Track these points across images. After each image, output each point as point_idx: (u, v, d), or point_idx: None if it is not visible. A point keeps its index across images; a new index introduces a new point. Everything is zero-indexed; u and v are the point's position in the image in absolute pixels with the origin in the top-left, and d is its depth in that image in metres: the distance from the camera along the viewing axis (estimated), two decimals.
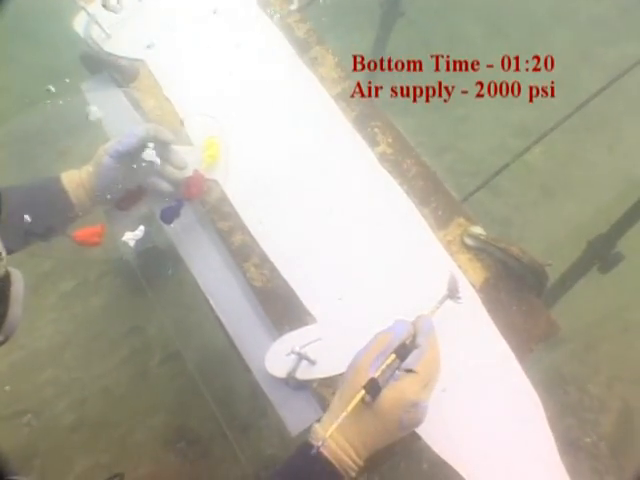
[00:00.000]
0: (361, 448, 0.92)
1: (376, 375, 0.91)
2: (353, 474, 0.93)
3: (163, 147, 1.26)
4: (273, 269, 1.25)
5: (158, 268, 2.22)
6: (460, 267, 1.20)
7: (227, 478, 1.76)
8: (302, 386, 1.15)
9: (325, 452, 0.91)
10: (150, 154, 1.21)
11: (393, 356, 0.93)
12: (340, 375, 1.12)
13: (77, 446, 1.86)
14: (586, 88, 1.68)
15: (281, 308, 1.22)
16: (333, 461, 0.91)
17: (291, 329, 1.19)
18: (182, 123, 1.35)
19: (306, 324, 1.19)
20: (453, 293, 1.05)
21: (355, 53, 2.14)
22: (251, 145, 1.37)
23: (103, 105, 1.32)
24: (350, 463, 0.92)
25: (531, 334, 1.14)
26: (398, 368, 0.93)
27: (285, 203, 1.31)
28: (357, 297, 1.20)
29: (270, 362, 1.16)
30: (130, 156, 1.21)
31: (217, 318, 1.28)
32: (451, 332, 1.05)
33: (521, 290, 1.17)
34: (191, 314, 2.16)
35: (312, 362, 1.12)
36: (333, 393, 1.11)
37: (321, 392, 1.13)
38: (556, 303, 1.71)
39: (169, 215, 1.29)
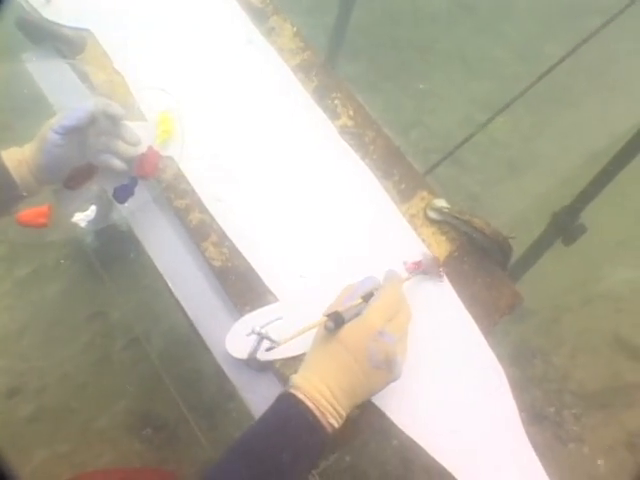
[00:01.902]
0: (337, 389, 0.89)
1: (340, 310, 0.92)
2: (333, 421, 0.89)
3: (114, 122, 1.19)
4: (232, 248, 1.21)
5: (119, 251, 2.16)
6: (424, 241, 1.17)
7: (195, 462, 1.72)
8: (265, 367, 1.12)
9: (300, 395, 0.89)
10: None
11: (359, 300, 0.94)
12: (303, 354, 1.11)
13: (35, 437, 1.80)
14: (552, 62, 1.67)
15: (242, 287, 1.18)
16: (310, 405, 0.88)
17: (252, 309, 1.16)
18: (133, 97, 1.29)
19: (268, 303, 1.16)
20: (428, 270, 1.09)
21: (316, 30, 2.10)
22: (207, 119, 1.31)
23: (47, 78, 1.24)
24: (327, 406, 0.88)
25: (495, 306, 1.13)
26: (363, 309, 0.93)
27: (243, 179, 1.26)
28: (319, 274, 1.17)
29: (230, 344, 1.13)
30: (78, 132, 1.14)
31: (176, 300, 1.24)
32: (415, 305, 1.03)
33: (485, 263, 1.15)
34: (156, 297, 2.11)
35: (273, 342, 1.08)
36: (295, 372, 1.08)
37: (284, 372, 1.10)
38: (523, 276, 1.71)
39: (122, 194, 1.24)
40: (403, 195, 1.22)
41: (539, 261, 1.68)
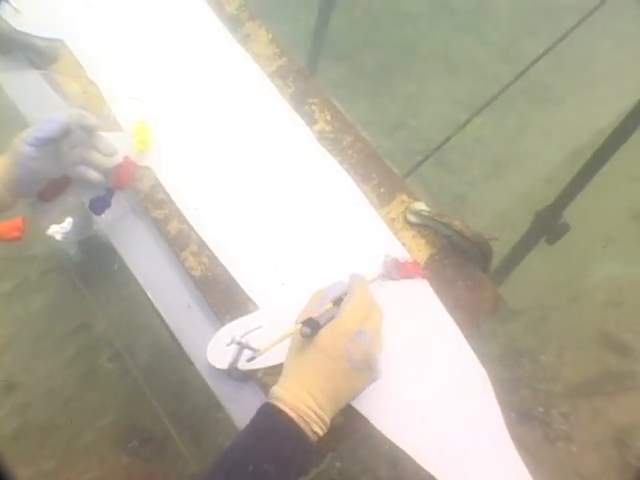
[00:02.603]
0: (320, 395, 0.87)
1: (314, 315, 0.92)
2: (318, 429, 0.87)
3: (88, 133, 1.18)
4: (212, 257, 1.20)
5: (103, 263, 2.14)
6: (404, 245, 1.17)
7: (183, 475, 1.70)
8: (247, 377, 1.11)
9: (282, 406, 0.87)
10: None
11: (330, 304, 0.94)
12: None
13: (20, 455, 1.77)
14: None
15: (222, 297, 1.17)
16: (293, 415, 0.86)
17: (233, 318, 1.14)
18: (109, 107, 1.27)
19: (249, 312, 1.15)
20: (389, 273, 1.07)
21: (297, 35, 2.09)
22: (184, 128, 1.30)
23: (19, 89, 1.22)
24: (311, 414, 0.86)
25: (478, 309, 1.12)
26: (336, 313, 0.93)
27: (221, 187, 1.25)
28: (300, 282, 1.16)
29: (212, 354, 1.11)
30: (52, 144, 1.13)
31: (157, 311, 1.23)
32: (396, 310, 1.03)
33: (466, 265, 1.14)
34: (140, 309, 2.09)
35: (254, 351, 1.07)
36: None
37: (267, 382, 1.09)
38: (508, 276, 1.71)
39: (99, 205, 1.22)
40: (382, 199, 1.21)
41: (524, 261, 1.68)
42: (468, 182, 2.50)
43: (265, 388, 1.09)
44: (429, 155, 1.62)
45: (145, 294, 1.24)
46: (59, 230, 1.18)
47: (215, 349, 1.11)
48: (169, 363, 1.97)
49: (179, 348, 1.18)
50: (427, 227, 1.16)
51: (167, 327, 1.21)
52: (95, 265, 2.12)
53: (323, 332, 0.90)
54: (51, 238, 1.18)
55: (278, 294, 1.15)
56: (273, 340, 0.93)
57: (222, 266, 1.19)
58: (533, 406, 1.76)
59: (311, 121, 1.29)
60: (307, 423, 0.86)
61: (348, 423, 1.05)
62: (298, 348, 0.93)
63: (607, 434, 1.72)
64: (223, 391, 1.13)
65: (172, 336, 1.20)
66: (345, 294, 0.96)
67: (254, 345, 1.07)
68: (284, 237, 1.20)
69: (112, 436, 1.84)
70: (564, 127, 2.50)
